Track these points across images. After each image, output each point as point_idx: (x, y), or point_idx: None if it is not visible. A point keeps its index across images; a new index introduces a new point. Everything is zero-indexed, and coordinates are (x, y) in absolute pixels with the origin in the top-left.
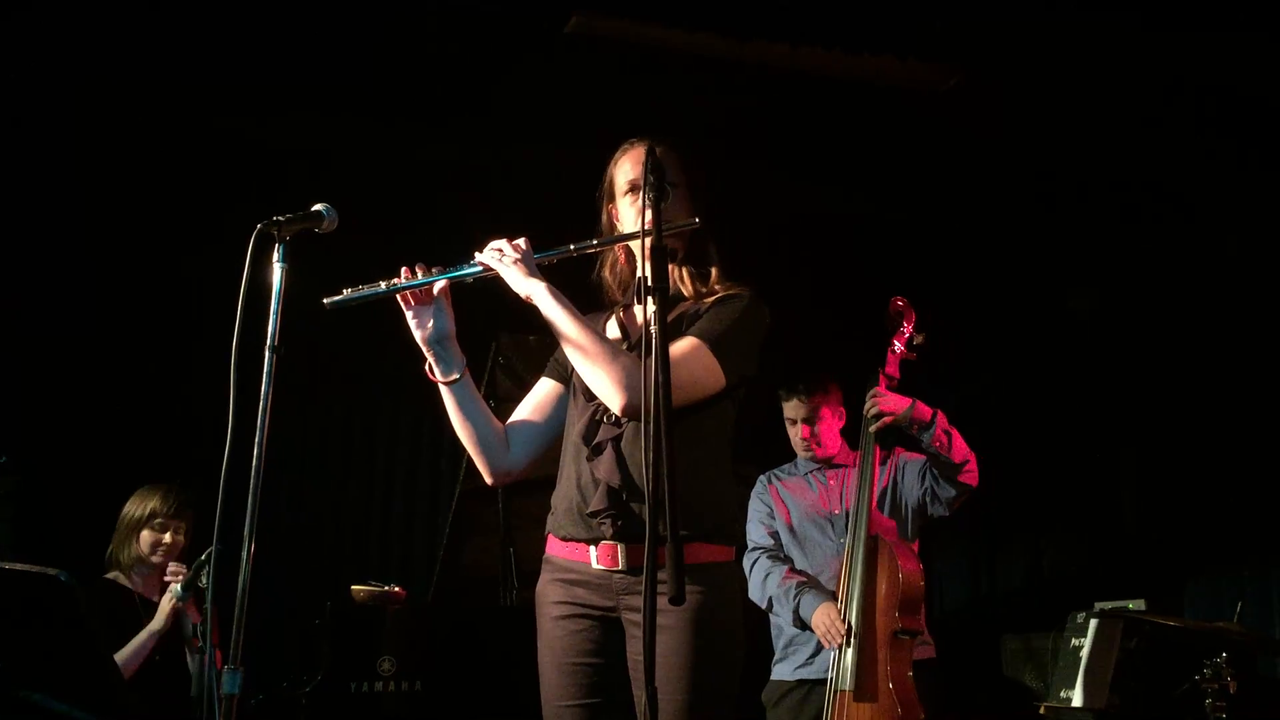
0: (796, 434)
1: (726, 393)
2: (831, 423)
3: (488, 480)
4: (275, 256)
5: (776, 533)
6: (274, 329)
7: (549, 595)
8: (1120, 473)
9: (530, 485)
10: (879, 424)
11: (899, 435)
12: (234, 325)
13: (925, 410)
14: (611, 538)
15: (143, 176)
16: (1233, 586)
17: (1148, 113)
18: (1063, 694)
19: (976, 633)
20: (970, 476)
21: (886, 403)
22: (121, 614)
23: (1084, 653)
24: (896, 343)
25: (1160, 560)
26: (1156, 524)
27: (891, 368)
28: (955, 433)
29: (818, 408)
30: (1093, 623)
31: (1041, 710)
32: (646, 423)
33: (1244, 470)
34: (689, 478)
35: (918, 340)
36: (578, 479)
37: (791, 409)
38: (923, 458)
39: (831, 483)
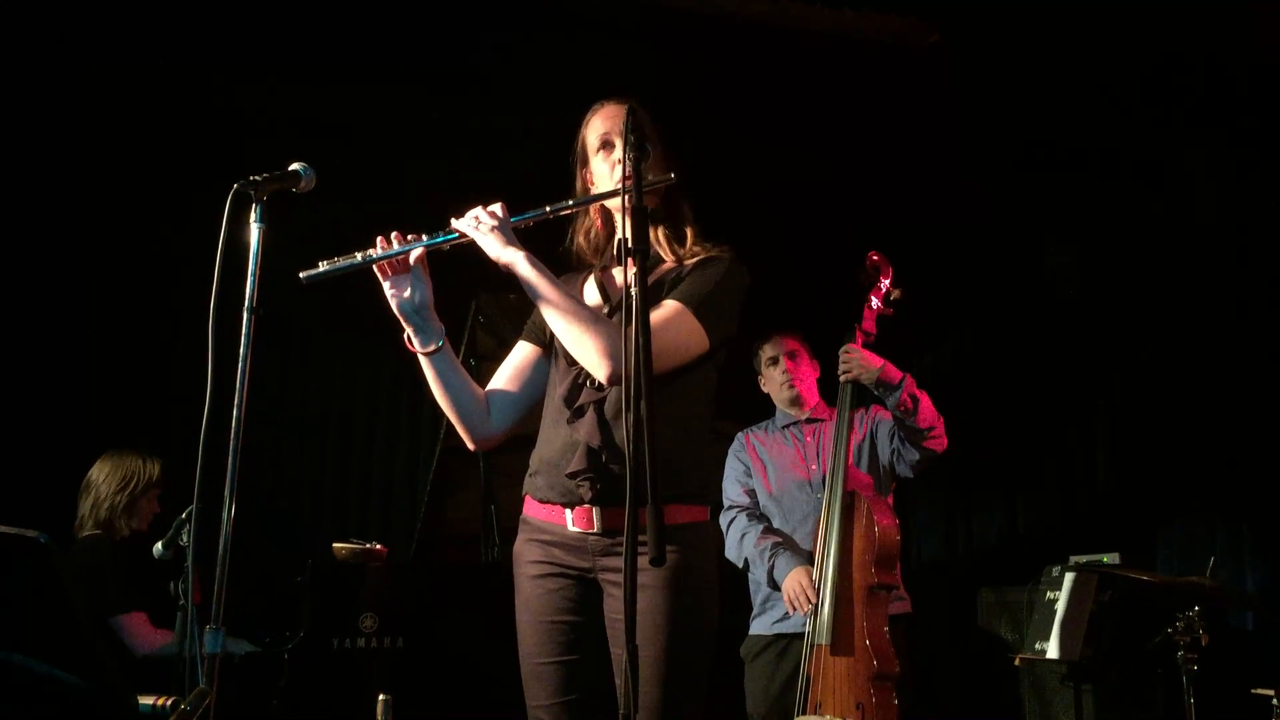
0: (777, 374)
1: (709, 356)
2: (808, 367)
3: (469, 446)
4: (253, 217)
5: (753, 490)
6: (252, 290)
7: (526, 555)
8: (1095, 428)
9: (512, 443)
10: (846, 377)
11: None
12: (211, 286)
13: (894, 372)
14: (589, 501)
15: (121, 141)
16: (1205, 540)
17: (1124, 73)
18: (1037, 646)
19: (952, 586)
20: (935, 443)
21: (858, 359)
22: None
23: (1059, 606)
24: (873, 298)
25: (1134, 515)
26: (1130, 479)
27: (868, 323)
28: (924, 397)
29: (795, 346)
30: (1067, 576)
31: (1016, 661)
32: (628, 386)
33: (1215, 426)
34: (670, 441)
35: (894, 295)
36: (558, 441)
37: (771, 347)
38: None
39: (809, 439)
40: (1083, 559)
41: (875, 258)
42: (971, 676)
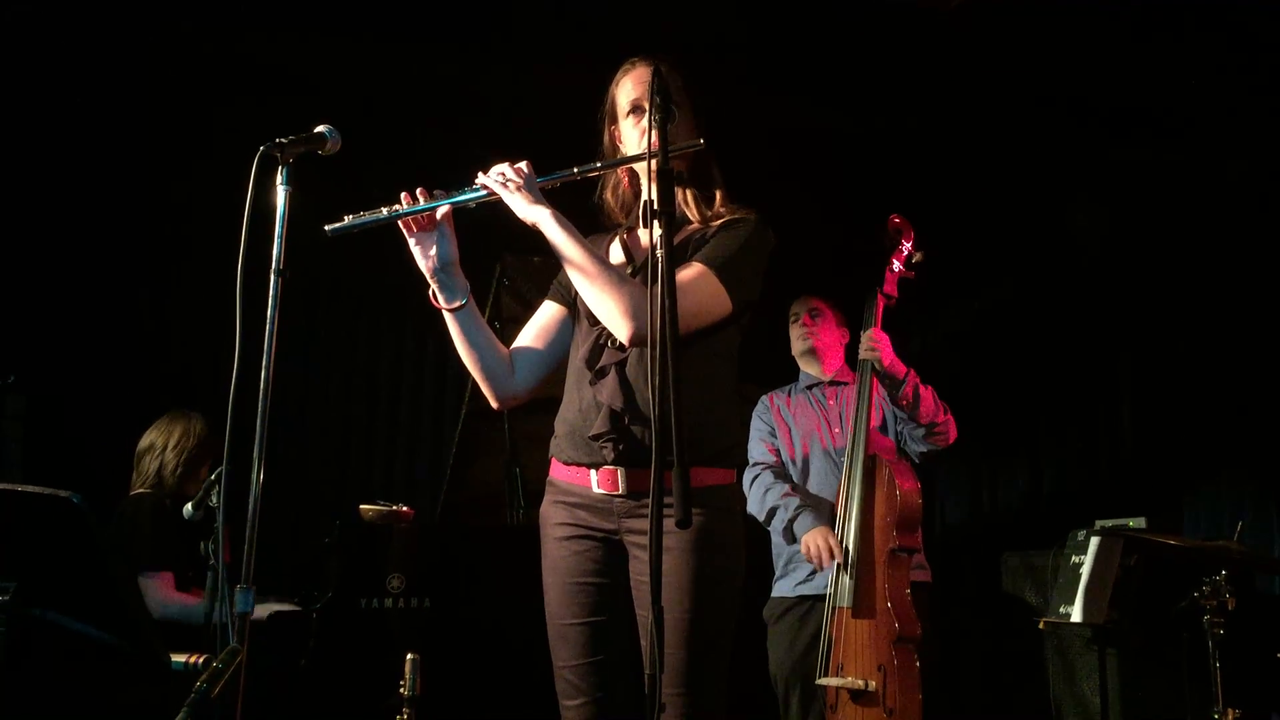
0: (797, 328)
1: (733, 319)
2: (830, 328)
3: (493, 405)
4: (279, 179)
5: (778, 450)
6: (278, 252)
7: (552, 517)
8: (1121, 391)
9: (536, 405)
10: (864, 356)
11: None
12: (237, 248)
13: (900, 367)
14: (612, 462)
15: (148, 99)
16: (1233, 504)
17: (1151, 30)
18: (1062, 610)
19: (977, 550)
20: (939, 439)
21: (877, 347)
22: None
23: (1084, 570)
24: (895, 261)
25: (1160, 478)
26: (1156, 442)
27: (890, 286)
28: (927, 393)
29: (818, 305)
30: (1093, 540)
31: (1041, 625)
32: (652, 348)
33: (1243, 388)
34: (694, 402)
35: (916, 258)
36: (580, 403)
37: (796, 305)
38: None
39: (831, 403)
40: (1108, 523)
41: (897, 220)
42: (996, 640)
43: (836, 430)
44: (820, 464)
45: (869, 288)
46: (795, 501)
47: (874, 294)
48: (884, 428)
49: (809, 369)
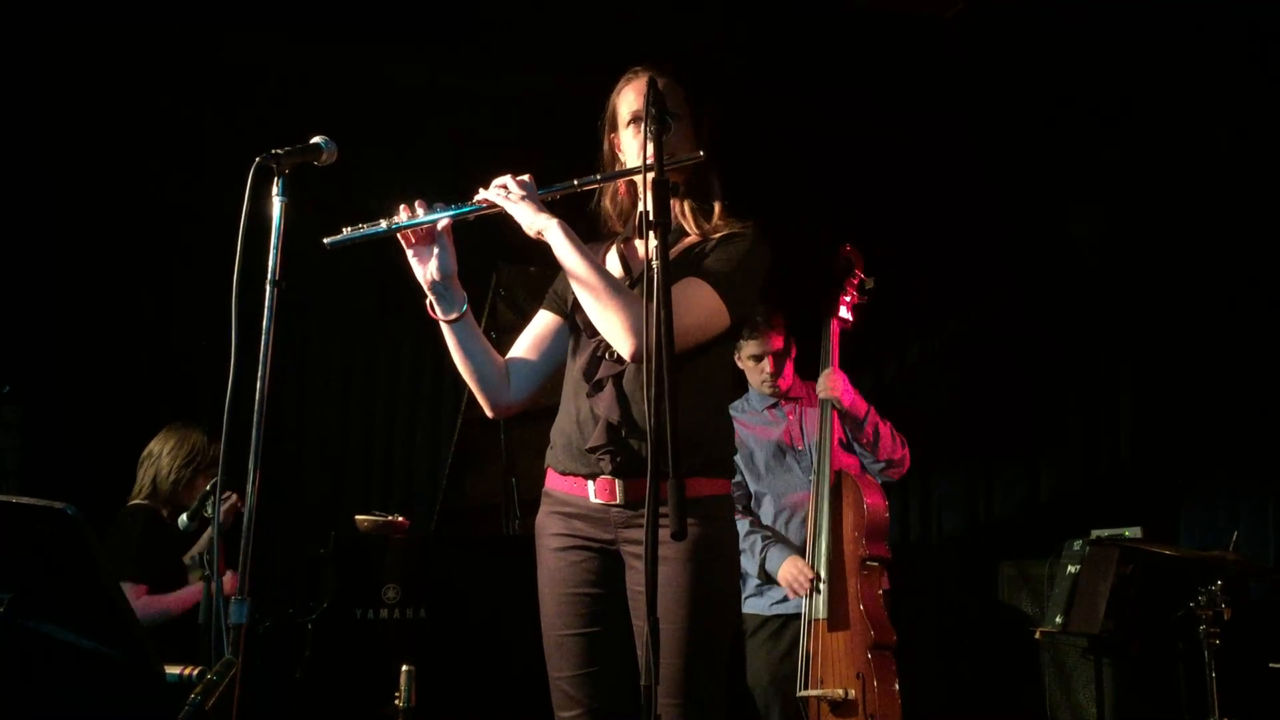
0: (761, 369)
1: (730, 333)
2: (789, 360)
3: (488, 414)
4: (275, 190)
5: (738, 467)
6: (274, 263)
7: (549, 527)
8: (1118, 399)
9: (532, 415)
10: (822, 395)
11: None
12: (231, 258)
13: (860, 406)
14: (610, 473)
15: (147, 108)
16: (1228, 513)
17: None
18: (1058, 619)
19: (973, 559)
20: (894, 472)
21: (836, 389)
22: (158, 538)
23: (1079, 579)
24: (849, 290)
25: (1156, 487)
26: (1152, 451)
27: (846, 312)
28: (885, 429)
29: (780, 344)
30: (1089, 550)
31: (1037, 635)
32: (647, 359)
33: (1240, 397)
34: (690, 413)
35: (869, 284)
36: (577, 414)
37: (755, 346)
38: None
39: (790, 416)
40: (1104, 533)
41: (848, 249)
42: (992, 650)
43: (800, 446)
44: (785, 476)
45: (823, 315)
46: (760, 540)
47: (828, 325)
48: (846, 444)
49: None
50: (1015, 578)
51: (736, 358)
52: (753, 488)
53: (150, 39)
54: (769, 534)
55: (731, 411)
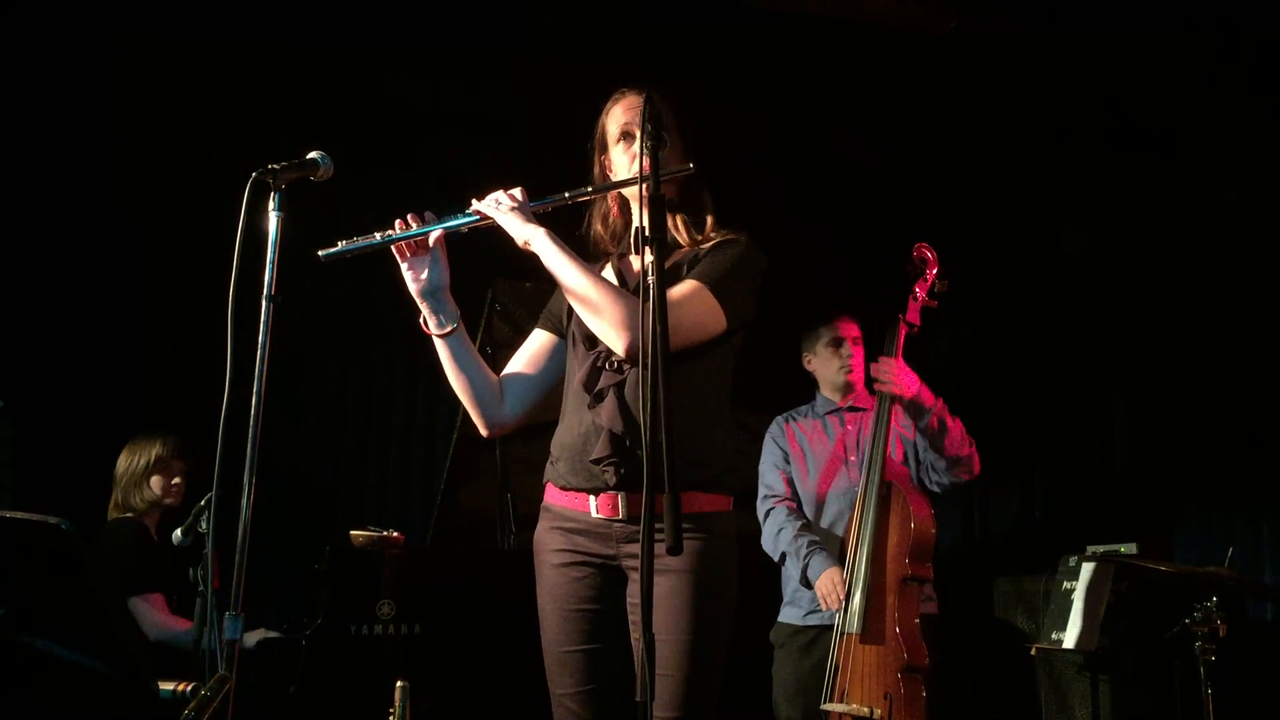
0: (838, 357)
1: (727, 335)
2: (862, 355)
3: (482, 431)
4: (271, 205)
5: (792, 478)
6: (270, 278)
7: (549, 543)
8: (1113, 415)
9: (528, 430)
10: (881, 390)
11: None
12: (226, 272)
13: (928, 397)
14: (613, 487)
15: (143, 120)
16: (1224, 530)
17: (1143, 53)
18: (1054, 636)
19: (969, 575)
20: (963, 471)
21: (897, 377)
22: (150, 549)
23: (1075, 595)
24: (918, 290)
25: (1152, 503)
26: (1148, 466)
27: (912, 315)
28: (955, 425)
29: (859, 332)
30: (1084, 566)
31: (1033, 651)
32: (644, 373)
33: (1235, 413)
34: (687, 426)
35: (940, 287)
36: (580, 427)
37: (831, 330)
38: None
39: (850, 426)
40: (1100, 549)
41: (925, 250)
42: (987, 666)
43: (853, 458)
44: (835, 491)
45: (889, 314)
46: (806, 544)
47: (896, 322)
48: (905, 460)
49: (833, 395)
50: (1010, 593)
51: (807, 360)
52: (801, 494)
53: (147, 54)
54: (816, 540)
55: (792, 416)
